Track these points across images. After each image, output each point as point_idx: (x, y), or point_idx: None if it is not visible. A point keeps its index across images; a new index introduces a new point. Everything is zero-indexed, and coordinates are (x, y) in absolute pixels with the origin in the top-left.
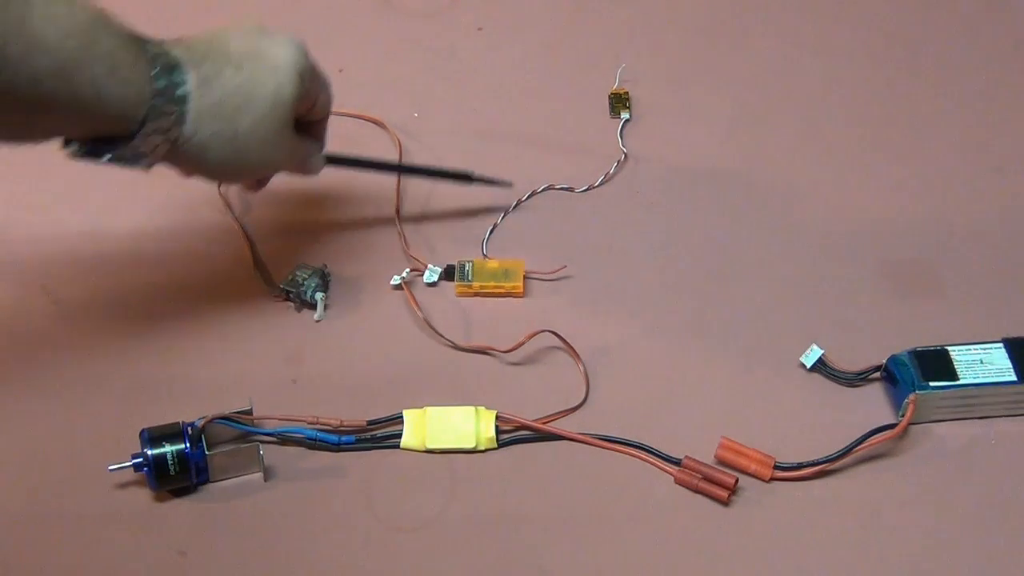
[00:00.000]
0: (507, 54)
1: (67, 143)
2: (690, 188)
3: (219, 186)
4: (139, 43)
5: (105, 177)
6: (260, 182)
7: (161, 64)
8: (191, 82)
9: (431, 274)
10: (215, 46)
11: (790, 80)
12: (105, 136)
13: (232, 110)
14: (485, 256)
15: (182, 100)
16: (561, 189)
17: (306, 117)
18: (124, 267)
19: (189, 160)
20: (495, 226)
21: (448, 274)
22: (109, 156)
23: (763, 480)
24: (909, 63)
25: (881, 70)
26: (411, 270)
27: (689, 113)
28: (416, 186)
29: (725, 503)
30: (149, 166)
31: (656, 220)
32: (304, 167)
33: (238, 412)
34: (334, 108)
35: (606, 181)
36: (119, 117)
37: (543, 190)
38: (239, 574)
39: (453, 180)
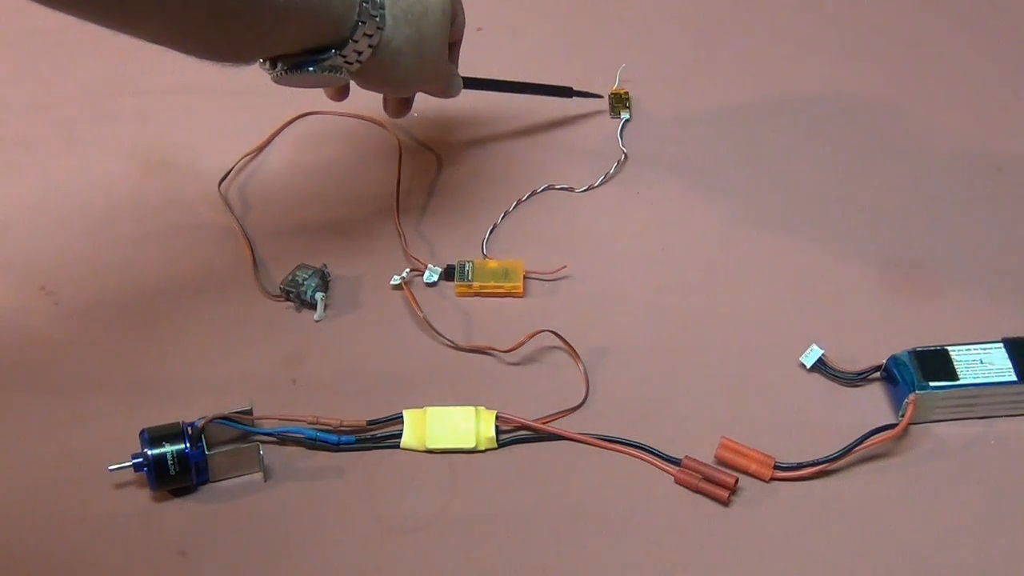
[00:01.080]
0: (507, 54)
1: (273, 64)
2: (690, 188)
3: (384, 101)
4: None
5: (105, 177)
6: (407, 103)
7: None
8: None
9: (431, 274)
10: None
11: (790, 80)
12: (315, 48)
13: (417, 16)
14: (485, 256)
15: (382, 4)
16: (561, 189)
17: (450, 35)
18: (124, 267)
19: (383, 67)
20: (495, 226)
21: (448, 274)
22: (313, 68)
23: (763, 480)
24: (909, 62)
25: (881, 69)
26: (411, 270)
27: (689, 113)
28: (417, 186)
29: (725, 503)
30: (349, 76)
31: (656, 220)
32: (450, 86)
33: (238, 412)
34: (335, 108)
35: (606, 181)
36: (337, 21)
37: (543, 190)
38: (239, 574)
39: (554, 95)
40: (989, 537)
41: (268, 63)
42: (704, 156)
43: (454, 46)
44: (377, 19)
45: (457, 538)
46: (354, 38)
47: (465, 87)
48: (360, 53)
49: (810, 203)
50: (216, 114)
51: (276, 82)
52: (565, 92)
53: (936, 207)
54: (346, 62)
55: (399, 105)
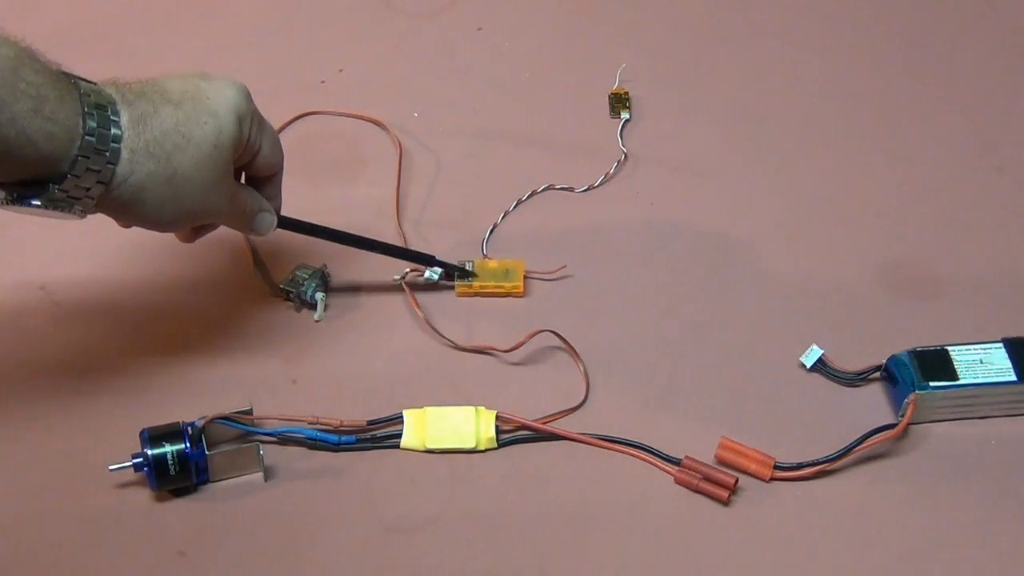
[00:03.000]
0: (507, 54)
1: None
2: (690, 188)
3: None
4: (68, 80)
5: None
6: (198, 231)
7: (92, 101)
8: (124, 119)
9: (431, 274)
10: (151, 87)
11: (790, 80)
12: (35, 180)
13: (171, 148)
14: (485, 256)
15: (116, 138)
16: (561, 189)
17: (251, 169)
18: (124, 267)
19: (125, 204)
20: (495, 226)
21: (448, 274)
22: (39, 202)
23: (763, 480)
24: (909, 63)
25: (881, 70)
26: (411, 270)
27: (689, 113)
28: (417, 186)
29: (725, 503)
30: (83, 212)
31: (656, 220)
32: (249, 223)
33: (238, 412)
34: (334, 108)
35: (606, 181)
36: (48, 157)
37: (543, 190)
38: (239, 574)
39: (414, 261)
40: (989, 537)
41: None
42: (704, 156)
43: (266, 182)
44: (107, 154)
45: (457, 538)
46: (74, 172)
47: (283, 227)
48: (88, 188)
49: (810, 203)
50: None
51: (3, 209)
52: (426, 260)
53: (936, 207)
54: (71, 197)
55: (183, 236)
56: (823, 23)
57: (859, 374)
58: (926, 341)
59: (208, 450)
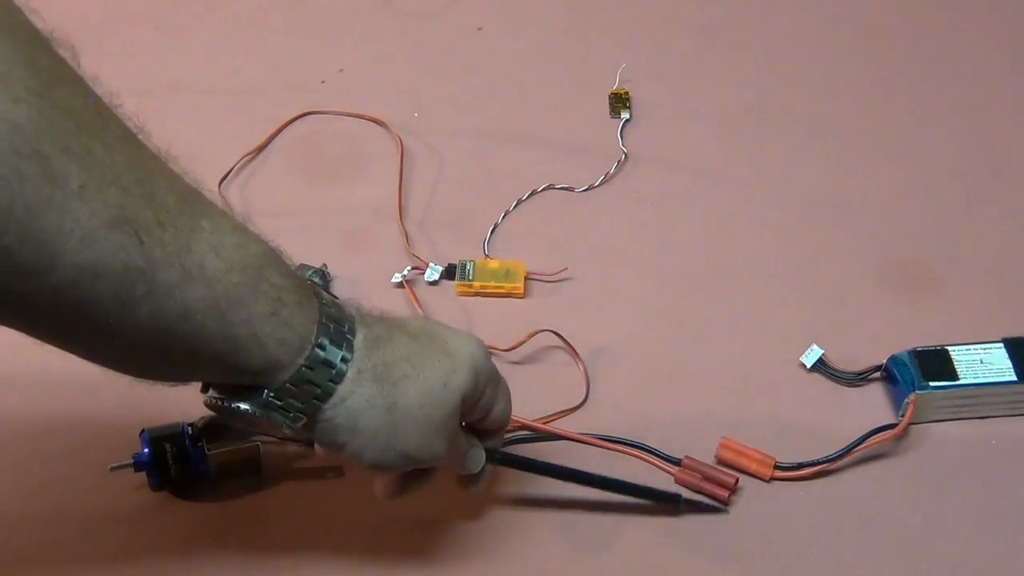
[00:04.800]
0: (507, 54)
1: (206, 388)
2: (690, 188)
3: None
4: (309, 288)
5: None
6: (407, 482)
7: (331, 313)
8: (359, 338)
9: (432, 272)
10: (390, 316)
11: (790, 80)
12: (246, 385)
13: (398, 376)
14: (487, 255)
15: (345, 359)
16: (561, 189)
17: (480, 425)
18: None
19: (336, 429)
20: (496, 225)
21: (449, 273)
22: (247, 406)
23: (763, 480)
24: (909, 63)
25: (881, 70)
26: (412, 268)
27: (689, 113)
28: (418, 185)
29: (725, 503)
30: (290, 428)
31: (656, 220)
32: (460, 464)
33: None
34: (334, 108)
35: (606, 181)
36: (273, 363)
37: (543, 190)
38: (239, 574)
39: (657, 501)
40: (989, 537)
41: (202, 387)
42: (704, 156)
43: (491, 433)
44: (333, 370)
45: (457, 538)
46: (293, 382)
47: (500, 463)
48: (303, 404)
49: (810, 203)
50: (216, 114)
51: (209, 408)
52: (672, 501)
53: (936, 207)
54: (282, 408)
55: (391, 487)
56: (823, 23)
57: (859, 374)
58: (926, 341)
59: (208, 450)
